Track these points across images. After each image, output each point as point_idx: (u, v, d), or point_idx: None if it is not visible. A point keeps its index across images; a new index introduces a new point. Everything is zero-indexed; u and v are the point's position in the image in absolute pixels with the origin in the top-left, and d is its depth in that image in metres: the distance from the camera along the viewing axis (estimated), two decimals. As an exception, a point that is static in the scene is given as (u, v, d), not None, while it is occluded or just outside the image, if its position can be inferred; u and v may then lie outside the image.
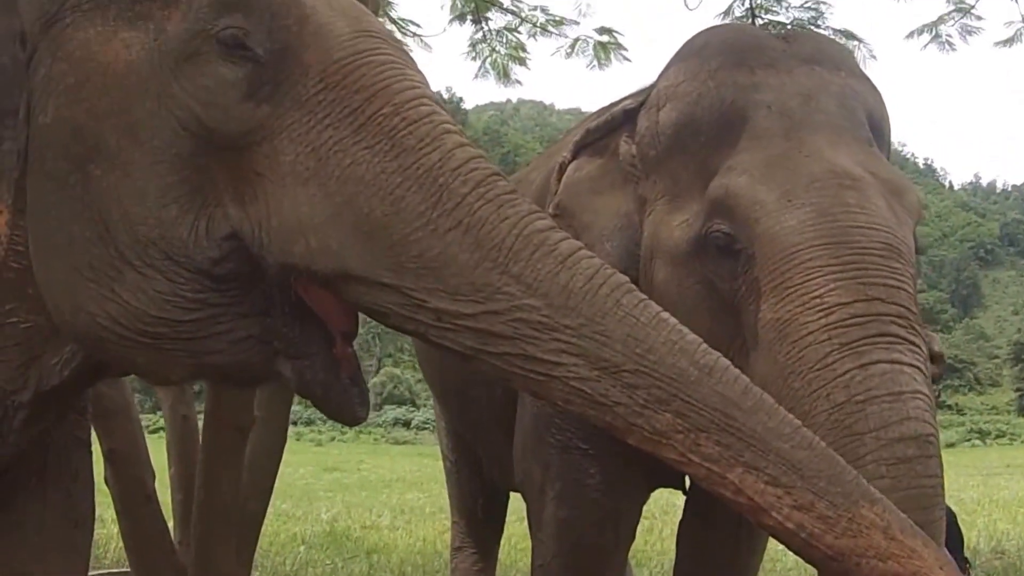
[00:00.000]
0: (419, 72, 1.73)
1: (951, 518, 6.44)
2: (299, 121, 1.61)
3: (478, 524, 4.54)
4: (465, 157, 1.62)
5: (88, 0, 1.67)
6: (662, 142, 2.47)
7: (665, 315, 1.60)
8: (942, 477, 1.97)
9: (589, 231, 2.55)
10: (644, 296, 1.62)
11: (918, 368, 1.99)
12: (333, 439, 33.38)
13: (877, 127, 2.41)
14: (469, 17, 6.36)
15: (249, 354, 1.70)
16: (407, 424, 42.78)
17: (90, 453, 2.22)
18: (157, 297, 1.64)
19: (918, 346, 2.03)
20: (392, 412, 44.84)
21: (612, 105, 2.79)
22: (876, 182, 2.20)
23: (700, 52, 2.50)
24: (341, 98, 1.61)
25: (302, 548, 7.35)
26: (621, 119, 2.65)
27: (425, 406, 47.00)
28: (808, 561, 1.63)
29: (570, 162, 2.67)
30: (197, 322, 1.66)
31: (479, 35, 6.47)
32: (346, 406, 1.73)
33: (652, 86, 2.61)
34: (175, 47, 1.64)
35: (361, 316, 1.75)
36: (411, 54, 1.83)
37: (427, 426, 41.29)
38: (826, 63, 2.43)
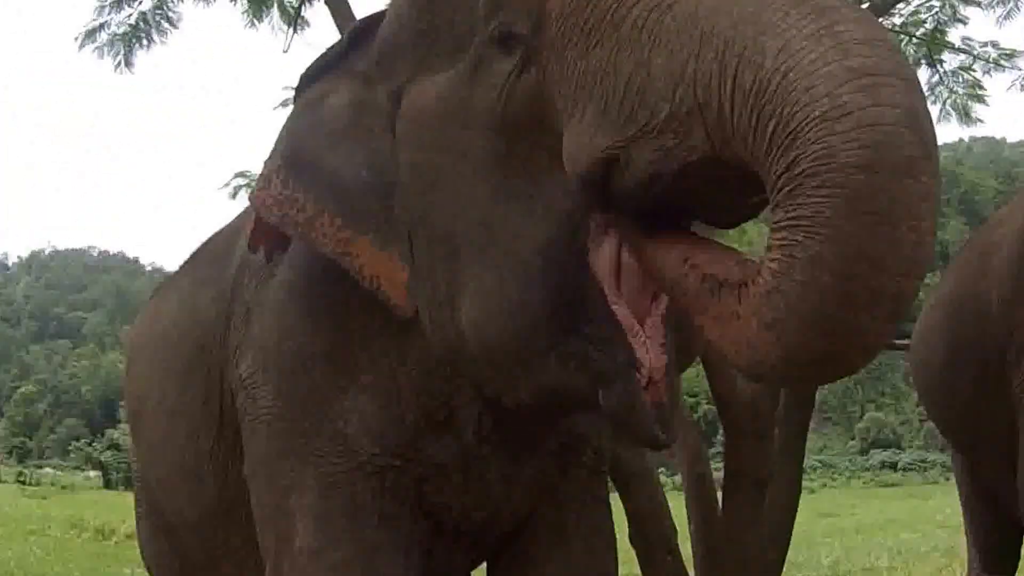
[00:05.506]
0: None
1: None
2: None
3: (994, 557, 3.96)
4: None
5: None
6: None
7: None
8: None
9: None
10: None
11: None
12: (824, 485, 32.13)
13: None
14: (923, 61, 5.92)
15: (574, 377, 1.50)
16: (893, 467, 39.87)
17: (610, 511, 2.18)
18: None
19: None
20: (878, 456, 42.09)
21: None
22: None
23: None
24: None
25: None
26: None
27: (911, 447, 43.71)
28: None
29: None
30: (535, 331, 1.50)
31: (935, 78, 5.98)
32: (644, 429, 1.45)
33: None
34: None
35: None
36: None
37: (913, 467, 38.36)
38: None
